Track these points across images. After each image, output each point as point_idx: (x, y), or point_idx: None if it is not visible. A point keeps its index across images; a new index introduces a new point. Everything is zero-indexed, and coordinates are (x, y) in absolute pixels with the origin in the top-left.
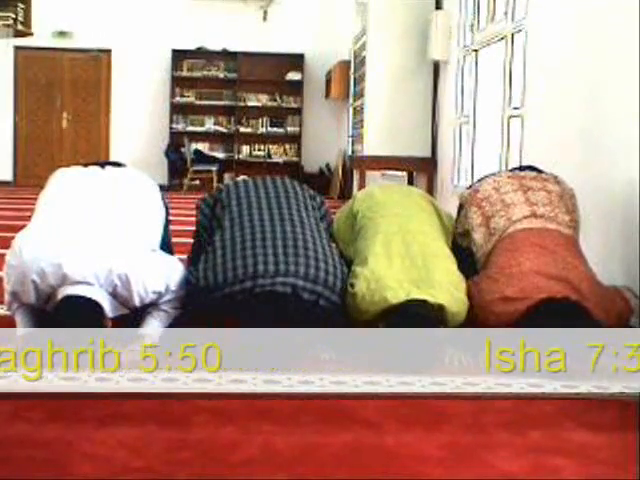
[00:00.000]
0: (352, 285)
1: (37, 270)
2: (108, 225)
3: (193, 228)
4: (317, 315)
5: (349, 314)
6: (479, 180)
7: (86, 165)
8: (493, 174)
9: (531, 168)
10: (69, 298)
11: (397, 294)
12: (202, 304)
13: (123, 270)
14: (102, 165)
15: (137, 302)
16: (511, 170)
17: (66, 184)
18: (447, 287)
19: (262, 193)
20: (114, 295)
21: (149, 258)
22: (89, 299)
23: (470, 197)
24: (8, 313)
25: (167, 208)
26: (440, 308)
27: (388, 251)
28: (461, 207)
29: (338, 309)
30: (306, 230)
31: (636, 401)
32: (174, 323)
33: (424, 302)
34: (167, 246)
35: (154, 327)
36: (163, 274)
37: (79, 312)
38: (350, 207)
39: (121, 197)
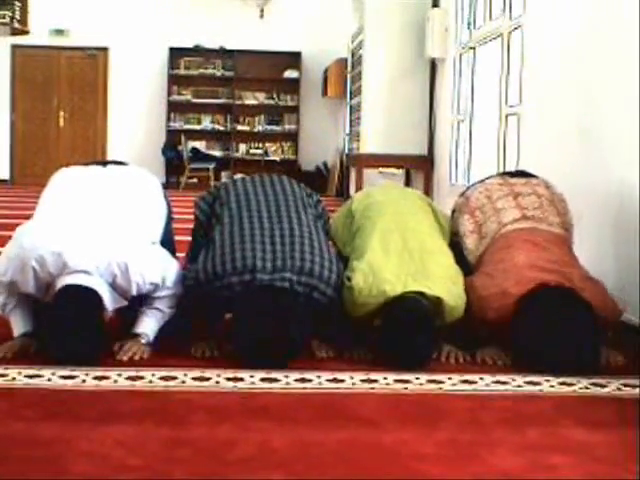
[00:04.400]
0: (349, 279)
1: (37, 257)
2: (109, 217)
3: (190, 226)
4: (312, 308)
5: (346, 309)
6: (469, 187)
7: (87, 165)
8: (483, 180)
9: (522, 173)
10: (68, 287)
11: (395, 287)
12: (201, 296)
13: (123, 259)
14: (104, 164)
15: (134, 292)
16: (501, 175)
17: (67, 181)
18: (444, 281)
19: (260, 191)
20: (113, 286)
21: (148, 249)
22: (88, 288)
23: (463, 205)
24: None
25: (169, 206)
26: (437, 301)
27: (385, 246)
28: (453, 212)
29: (334, 303)
30: (303, 227)
31: (633, 398)
32: (174, 320)
33: (421, 294)
34: (169, 244)
35: (149, 326)
36: (160, 266)
37: (78, 301)
38: (348, 207)
39: (122, 192)
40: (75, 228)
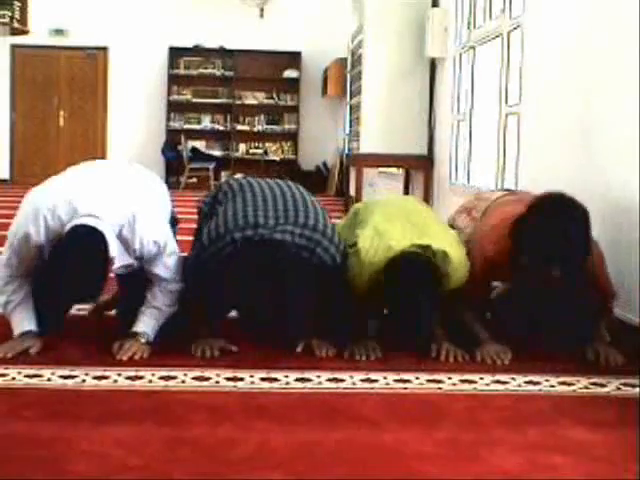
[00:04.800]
0: (354, 244)
1: (49, 206)
2: (120, 180)
3: (190, 226)
4: (315, 265)
5: (352, 277)
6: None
7: None
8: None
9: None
10: (75, 227)
11: (401, 243)
12: (205, 261)
13: (131, 211)
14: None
15: (137, 245)
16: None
17: (77, 166)
18: (448, 242)
19: (262, 180)
20: (119, 239)
21: (155, 209)
22: (95, 229)
23: (459, 211)
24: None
25: (174, 213)
26: (443, 254)
27: (389, 218)
28: (450, 220)
29: (337, 267)
30: (307, 201)
31: (633, 398)
32: (174, 319)
33: (427, 248)
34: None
35: (148, 325)
36: (164, 228)
37: (84, 239)
38: (350, 212)
39: (133, 177)
40: (87, 182)
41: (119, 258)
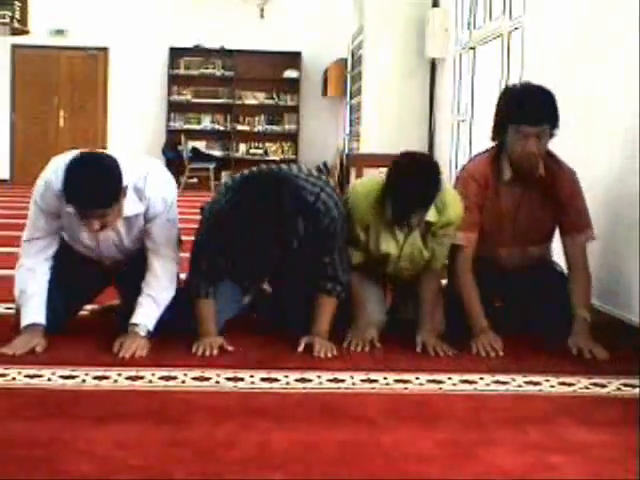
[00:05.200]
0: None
1: (68, 161)
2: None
3: (189, 226)
4: (319, 211)
5: (351, 216)
6: None
7: None
8: None
9: None
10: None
11: None
12: (215, 212)
13: (146, 167)
14: None
15: (147, 194)
16: None
17: None
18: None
19: None
20: (134, 189)
21: (168, 176)
22: (111, 158)
23: None
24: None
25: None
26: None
27: None
28: None
29: (340, 215)
30: (311, 169)
31: (633, 398)
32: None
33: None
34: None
35: (146, 316)
36: (173, 191)
37: (101, 157)
38: None
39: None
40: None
41: (132, 205)
